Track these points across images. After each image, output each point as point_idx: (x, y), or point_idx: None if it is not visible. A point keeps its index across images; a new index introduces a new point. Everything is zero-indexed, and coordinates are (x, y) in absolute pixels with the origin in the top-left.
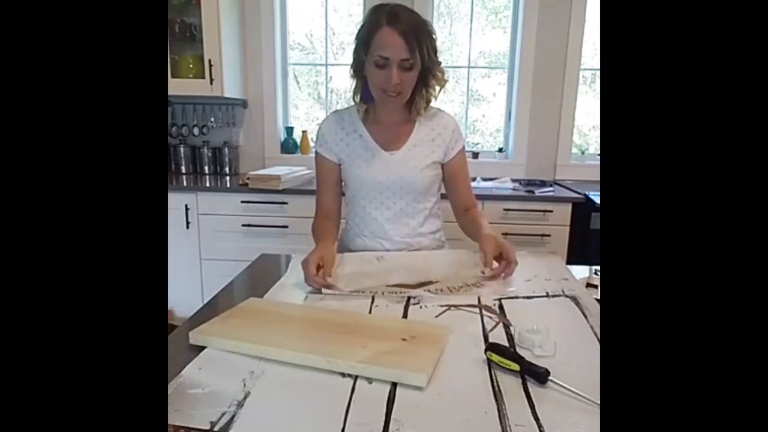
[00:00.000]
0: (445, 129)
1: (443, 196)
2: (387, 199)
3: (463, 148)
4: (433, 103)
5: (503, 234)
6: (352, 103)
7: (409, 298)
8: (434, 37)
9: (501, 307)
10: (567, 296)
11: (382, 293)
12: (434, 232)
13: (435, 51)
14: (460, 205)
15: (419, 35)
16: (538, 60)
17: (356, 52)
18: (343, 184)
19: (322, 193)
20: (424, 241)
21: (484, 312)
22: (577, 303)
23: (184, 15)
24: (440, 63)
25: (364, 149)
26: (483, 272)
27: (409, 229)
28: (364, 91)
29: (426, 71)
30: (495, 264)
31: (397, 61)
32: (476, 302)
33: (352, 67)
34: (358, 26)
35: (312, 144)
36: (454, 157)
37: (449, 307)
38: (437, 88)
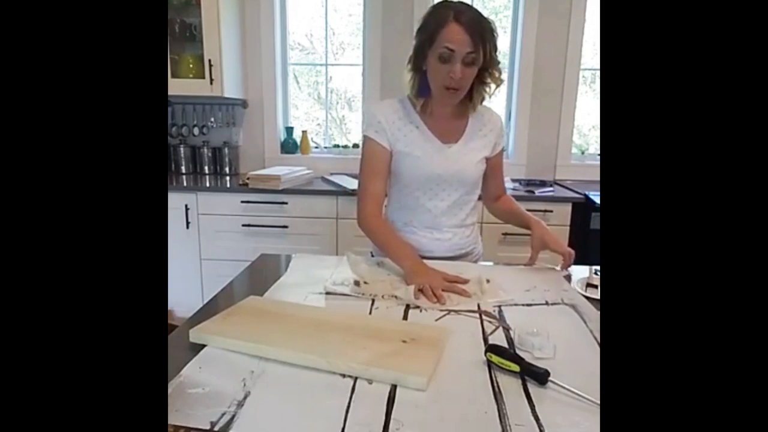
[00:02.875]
0: (495, 126)
1: None
2: (443, 190)
3: (503, 148)
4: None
5: (503, 234)
6: (402, 96)
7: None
8: (496, 35)
9: (500, 313)
10: (566, 304)
11: (383, 296)
12: (474, 223)
13: (496, 50)
14: (494, 194)
15: (484, 32)
16: (538, 60)
17: (419, 46)
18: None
19: (375, 179)
20: (466, 231)
21: (483, 317)
22: (577, 310)
23: (184, 15)
24: (499, 62)
25: (423, 140)
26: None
27: (457, 220)
28: (420, 85)
29: (484, 69)
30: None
31: (462, 54)
32: (476, 308)
33: (410, 62)
34: (421, 22)
35: (312, 144)
36: (498, 154)
37: (449, 311)
38: (493, 86)
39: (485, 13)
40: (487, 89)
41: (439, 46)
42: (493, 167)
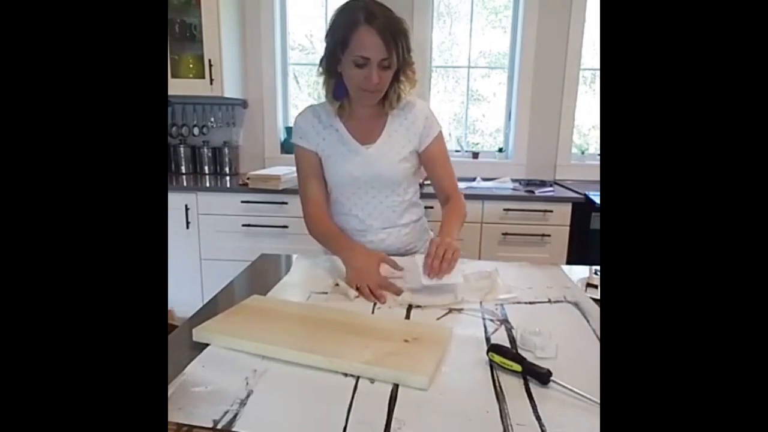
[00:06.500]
0: (418, 117)
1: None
2: (365, 193)
3: (440, 134)
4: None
5: (503, 234)
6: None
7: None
8: (409, 34)
9: (503, 311)
10: (569, 302)
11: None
12: (415, 221)
13: (409, 50)
14: (440, 193)
15: (396, 34)
16: (538, 60)
17: (331, 50)
18: None
19: (309, 182)
20: (402, 230)
21: (485, 315)
22: (579, 308)
23: (184, 15)
24: (413, 62)
25: (341, 144)
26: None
27: (388, 222)
28: (336, 88)
29: (399, 70)
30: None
31: (377, 60)
32: (478, 306)
33: (321, 65)
34: (330, 23)
35: None
36: (430, 144)
37: (450, 310)
38: (407, 85)
39: (484, 14)
40: (403, 88)
41: (353, 53)
42: (429, 159)
